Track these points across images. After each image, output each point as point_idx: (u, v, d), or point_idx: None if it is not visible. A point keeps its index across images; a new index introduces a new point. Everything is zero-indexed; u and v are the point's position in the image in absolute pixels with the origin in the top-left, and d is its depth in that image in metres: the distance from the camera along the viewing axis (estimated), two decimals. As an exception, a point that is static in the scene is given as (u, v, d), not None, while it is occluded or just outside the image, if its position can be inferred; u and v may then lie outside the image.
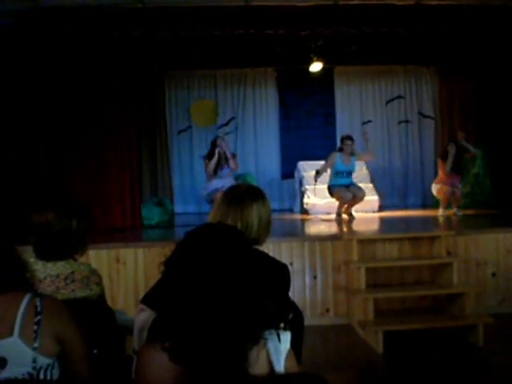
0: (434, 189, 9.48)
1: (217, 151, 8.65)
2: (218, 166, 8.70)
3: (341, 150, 9.13)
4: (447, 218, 8.85)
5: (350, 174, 9.14)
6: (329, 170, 9.14)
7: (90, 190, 8.26)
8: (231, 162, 8.71)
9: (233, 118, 11.93)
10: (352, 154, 9.12)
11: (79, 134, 8.36)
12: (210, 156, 8.76)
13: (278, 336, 1.86)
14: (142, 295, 2.62)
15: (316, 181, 9.16)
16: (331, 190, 9.09)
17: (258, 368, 1.79)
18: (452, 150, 9.17)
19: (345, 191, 8.92)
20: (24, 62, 7.72)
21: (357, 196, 8.94)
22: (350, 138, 9.21)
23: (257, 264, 1.86)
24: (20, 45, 7.53)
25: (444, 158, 9.29)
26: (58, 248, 2.84)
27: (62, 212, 2.87)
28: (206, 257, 1.77)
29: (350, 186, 9.04)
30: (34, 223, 2.87)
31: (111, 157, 8.68)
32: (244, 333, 1.75)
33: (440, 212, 9.27)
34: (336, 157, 9.05)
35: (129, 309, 3.45)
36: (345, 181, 9.04)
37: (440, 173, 9.38)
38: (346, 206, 9.06)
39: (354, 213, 9.16)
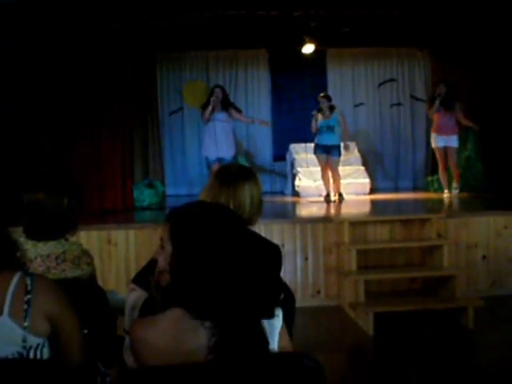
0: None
1: (212, 99, 8.87)
2: (213, 111, 8.92)
3: (320, 110, 9.12)
4: (439, 201, 8.86)
5: (329, 128, 9.00)
6: None
7: (81, 171, 8.23)
8: (234, 113, 9.08)
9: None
10: (332, 110, 9.12)
11: (70, 116, 8.31)
12: (204, 106, 9.03)
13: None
14: (133, 276, 2.61)
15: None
16: (315, 151, 9.25)
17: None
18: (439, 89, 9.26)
19: (323, 161, 9.12)
20: (21, 49, 7.65)
21: (331, 169, 9.09)
22: (323, 96, 9.33)
23: (250, 243, 1.86)
24: (18, 32, 7.46)
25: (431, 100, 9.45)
26: (49, 227, 2.82)
27: (52, 190, 2.84)
28: (201, 236, 1.77)
29: (330, 154, 9.03)
30: (24, 202, 2.85)
31: (102, 139, 8.64)
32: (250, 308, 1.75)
33: (445, 192, 9.38)
34: (316, 115, 9.12)
35: (120, 290, 3.44)
36: (326, 138, 9.00)
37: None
38: (331, 182, 9.18)
39: (344, 194, 9.18)
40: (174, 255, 1.80)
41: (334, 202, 8.98)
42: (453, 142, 9.23)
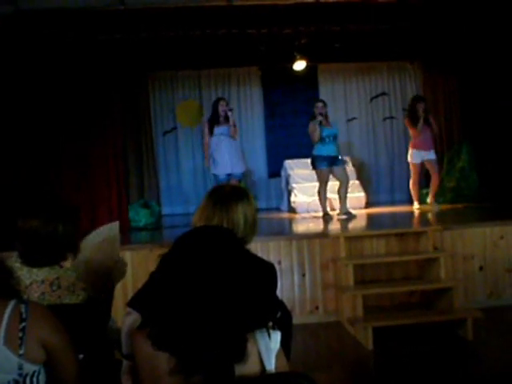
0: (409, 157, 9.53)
1: (222, 109, 8.80)
2: (214, 124, 8.80)
3: (314, 117, 8.61)
4: (431, 213, 8.85)
5: (335, 138, 8.65)
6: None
7: (76, 193, 8.23)
8: (231, 129, 8.76)
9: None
10: (327, 118, 8.74)
11: (63, 137, 8.32)
12: (210, 120, 9.00)
13: (269, 335, 1.88)
14: (129, 298, 2.61)
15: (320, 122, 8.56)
16: (315, 164, 8.68)
17: (250, 367, 1.81)
18: (421, 107, 9.14)
19: (326, 175, 8.65)
20: (5, 65, 7.66)
21: (342, 182, 8.68)
22: (320, 100, 9.09)
23: (247, 264, 1.87)
24: (1, 48, 7.47)
25: (412, 117, 9.27)
26: (44, 254, 2.81)
27: (47, 217, 2.83)
28: (200, 257, 1.80)
29: (335, 165, 8.62)
30: (19, 229, 2.84)
31: (97, 159, 8.64)
32: (232, 331, 1.76)
33: (415, 205, 9.41)
34: (316, 123, 8.56)
35: (117, 312, 3.43)
36: (331, 149, 8.57)
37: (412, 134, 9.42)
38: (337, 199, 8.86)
39: (351, 210, 8.80)
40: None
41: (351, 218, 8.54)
42: (431, 155, 9.29)
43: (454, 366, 5.10)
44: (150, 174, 11.24)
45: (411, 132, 9.36)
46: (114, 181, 8.87)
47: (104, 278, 3.12)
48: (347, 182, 8.79)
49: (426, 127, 9.19)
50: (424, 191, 10.02)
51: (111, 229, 3.35)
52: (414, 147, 9.32)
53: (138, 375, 1.87)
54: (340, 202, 8.82)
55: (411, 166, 9.52)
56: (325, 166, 8.62)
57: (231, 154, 8.76)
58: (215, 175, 8.89)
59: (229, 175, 8.69)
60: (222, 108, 8.79)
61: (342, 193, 8.74)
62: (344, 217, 8.61)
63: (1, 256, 2.23)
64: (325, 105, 8.82)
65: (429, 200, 9.52)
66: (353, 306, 6.10)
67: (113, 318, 3.28)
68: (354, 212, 8.82)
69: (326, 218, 8.66)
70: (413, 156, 9.37)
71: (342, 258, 6.44)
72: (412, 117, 9.24)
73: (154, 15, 7.79)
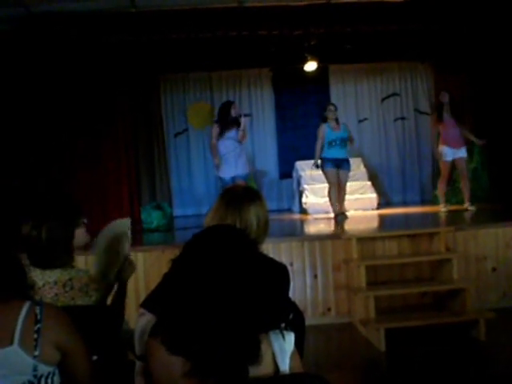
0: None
1: (234, 112, 8.67)
2: (224, 127, 8.68)
3: (325, 120, 8.71)
4: (447, 214, 8.76)
5: (343, 142, 8.63)
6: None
7: (88, 194, 8.26)
8: (240, 133, 8.67)
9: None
10: (338, 121, 8.75)
11: (76, 139, 8.36)
12: (222, 122, 8.78)
13: (283, 336, 1.89)
14: (142, 299, 2.61)
15: (318, 167, 8.75)
16: (323, 166, 8.73)
17: (264, 368, 1.81)
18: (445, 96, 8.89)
19: (334, 176, 8.67)
20: (17, 67, 7.71)
21: (340, 184, 8.70)
22: (332, 104, 9.07)
23: (259, 265, 1.87)
24: (12, 50, 7.52)
25: (439, 112, 8.95)
26: (52, 257, 2.81)
27: (33, 222, 2.80)
28: (212, 258, 1.81)
29: (341, 168, 8.65)
30: (26, 232, 2.82)
31: (109, 161, 8.68)
32: (246, 332, 1.76)
33: (441, 207, 9.00)
34: (324, 127, 8.66)
35: (129, 313, 3.44)
36: (338, 152, 8.60)
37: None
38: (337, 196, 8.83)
39: (347, 213, 8.82)
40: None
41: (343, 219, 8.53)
42: (463, 153, 8.83)
43: (466, 367, 5.08)
44: (161, 176, 11.29)
45: (440, 128, 8.89)
46: (126, 182, 8.92)
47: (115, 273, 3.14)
48: (345, 186, 8.81)
49: (455, 123, 8.78)
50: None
51: (122, 225, 3.36)
52: (445, 143, 8.79)
53: (152, 378, 1.88)
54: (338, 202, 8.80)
55: (441, 165, 8.98)
56: (331, 167, 8.65)
57: (236, 157, 8.77)
58: (221, 178, 8.90)
59: (233, 177, 8.71)
60: (234, 111, 8.76)
61: (341, 195, 8.76)
62: (338, 217, 8.60)
63: (19, 257, 2.24)
64: (336, 109, 8.86)
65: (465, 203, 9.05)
66: (365, 308, 6.08)
67: (126, 319, 3.29)
68: (348, 214, 8.81)
69: (338, 219, 8.65)
70: (444, 154, 8.81)
71: (354, 259, 6.42)
72: (439, 112, 8.91)
73: (165, 17, 7.83)
